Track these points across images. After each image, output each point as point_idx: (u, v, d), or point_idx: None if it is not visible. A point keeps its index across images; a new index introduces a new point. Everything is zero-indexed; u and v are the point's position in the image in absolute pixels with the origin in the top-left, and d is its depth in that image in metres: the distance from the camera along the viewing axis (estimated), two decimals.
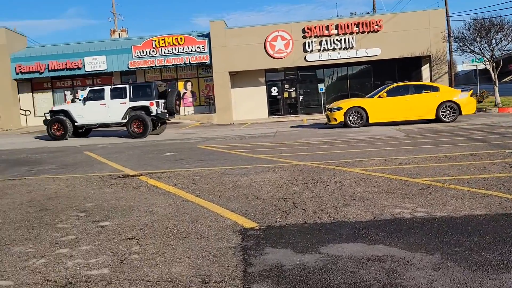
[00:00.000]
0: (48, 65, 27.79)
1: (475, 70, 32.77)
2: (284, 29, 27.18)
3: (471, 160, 7.51)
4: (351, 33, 26.84)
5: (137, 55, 27.68)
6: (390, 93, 17.15)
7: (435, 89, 17.24)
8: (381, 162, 8.04)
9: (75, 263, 3.84)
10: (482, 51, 23.51)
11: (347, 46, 26.83)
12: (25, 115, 29.98)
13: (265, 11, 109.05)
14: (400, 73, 28.61)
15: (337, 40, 26.89)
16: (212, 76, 28.17)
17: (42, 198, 6.61)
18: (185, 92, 30.16)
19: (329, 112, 17.70)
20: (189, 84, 30.18)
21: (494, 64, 23.67)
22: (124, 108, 17.96)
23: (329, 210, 5.11)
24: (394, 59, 27.15)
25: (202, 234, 4.50)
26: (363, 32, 26.76)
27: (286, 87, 29.48)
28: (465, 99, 16.59)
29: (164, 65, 27.96)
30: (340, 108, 17.14)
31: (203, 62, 28.05)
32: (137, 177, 8.09)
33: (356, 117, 16.90)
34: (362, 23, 26.68)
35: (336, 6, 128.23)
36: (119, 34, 38.26)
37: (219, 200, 5.91)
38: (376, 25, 26.55)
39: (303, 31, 27.01)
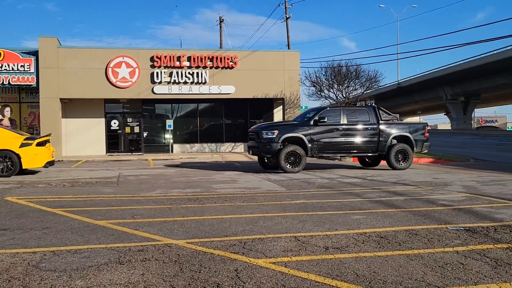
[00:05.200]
0: None
1: None
2: (130, 55, 23.88)
3: (424, 246, 5.27)
4: (205, 67, 24.65)
5: None
6: None
7: None
8: (294, 244, 5.38)
9: None
10: (338, 97, 23.16)
11: (200, 81, 24.52)
12: None
13: (105, 42, 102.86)
14: (252, 113, 27.19)
15: (189, 73, 24.43)
16: (39, 102, 23.36)
17: None
18: (2, 119, 24.65)
19: None
20: (7, 109, 24.81)
21: None
22: None
23: None
24: (247, 98, 25.60)
25: None
26: (217, 67, 24.78)
27: (128, 120, 25.92)
28: (27, 150, 13.46)
29: None
30: None
31: (28, 85, 23.19)
32: None
33: None
34: (217, 58, 24.71)
35: (180, 43, 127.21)
36: None
37: None
38: (231, 61, 24.79)
39: (152, 59, 24.02)
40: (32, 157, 13.52)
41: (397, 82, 70.69)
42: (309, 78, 25.11)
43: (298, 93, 25.47)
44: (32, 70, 23.07)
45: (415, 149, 15.53)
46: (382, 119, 15.29)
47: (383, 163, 16.27)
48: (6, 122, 24.79)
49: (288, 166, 14.26)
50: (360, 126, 15.06)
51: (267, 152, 14.56)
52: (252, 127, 15.88)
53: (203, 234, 5.92)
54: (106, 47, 24.62)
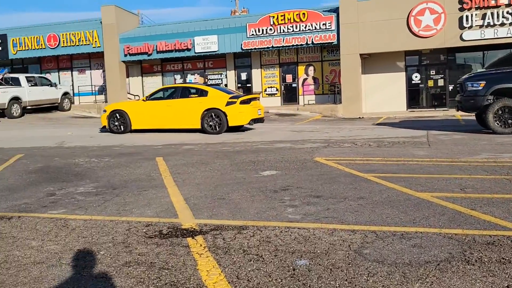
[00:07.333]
0: (156, 46, 25.38)
1: None
2: (435, 0, 21.53)
3: None
4: None
5: (252, 34, 24.06)
6: (155, 96, 15.14)
7: (204, 93, 14.54)
8: None
9: None
10: None
11: None
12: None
13: None
14: None
15: (507, 12, 20.60)
16: (339, 60, 23.57)
17: None
18: (306, 78, 25.96)
19: None
20: (311, 68, 25.92)
21: None
22: None
23: None
24: None
25: None
26: None
27: (431, 73, 23.84)
28: (232, 108, 13.95)
29: (283, 46, 24.02)
30: (105, 111, 15.27)
31: (329, 42, 23.56)
32: (189, 238, 4.15)
33: (119, 122, 14.85)
34: None
35: None
36: (239, 15, 35.34)
37: None
38: None
39: (461, 1, 21.15)
40: (237, 114, 14.01)
41: None
42: None
43: None
44: (333, 27, 23.26)
45: None
46: None
47: None
48: (310, 80, 26.02)
49: (498, 126, 11.38)
50: None
51: (470, 108, 12.15)
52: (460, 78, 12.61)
53: None
54: None
